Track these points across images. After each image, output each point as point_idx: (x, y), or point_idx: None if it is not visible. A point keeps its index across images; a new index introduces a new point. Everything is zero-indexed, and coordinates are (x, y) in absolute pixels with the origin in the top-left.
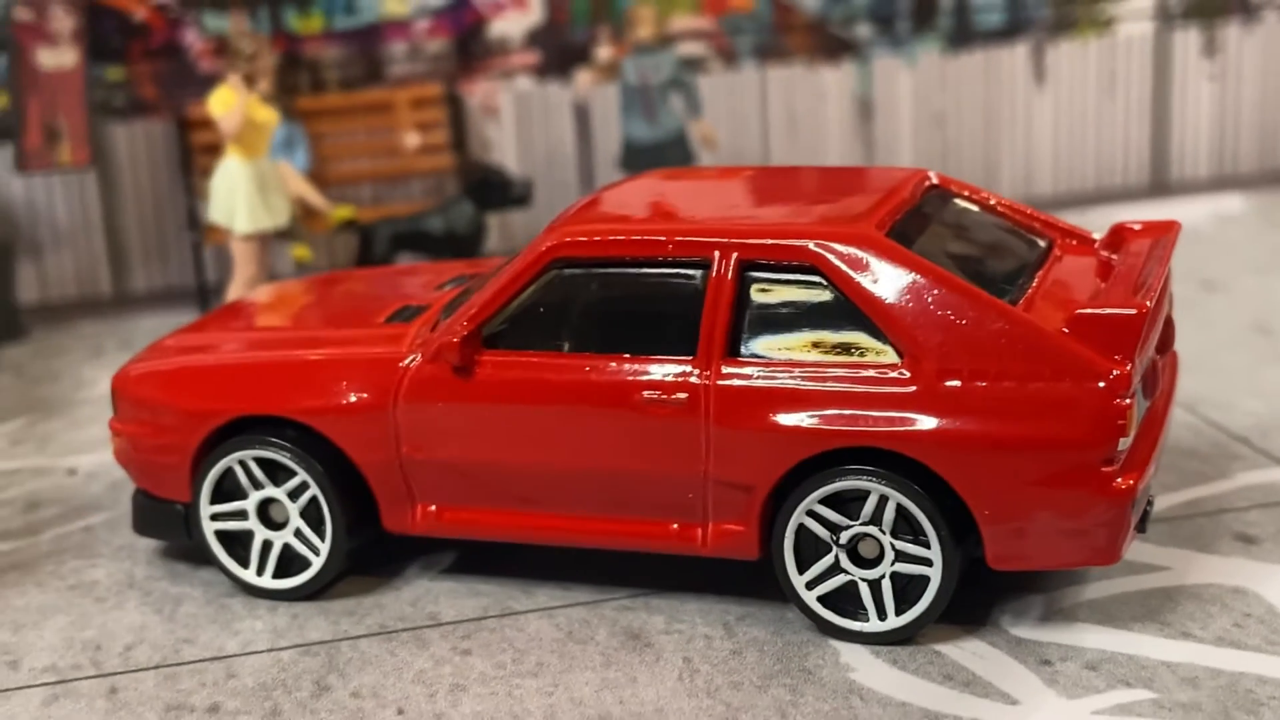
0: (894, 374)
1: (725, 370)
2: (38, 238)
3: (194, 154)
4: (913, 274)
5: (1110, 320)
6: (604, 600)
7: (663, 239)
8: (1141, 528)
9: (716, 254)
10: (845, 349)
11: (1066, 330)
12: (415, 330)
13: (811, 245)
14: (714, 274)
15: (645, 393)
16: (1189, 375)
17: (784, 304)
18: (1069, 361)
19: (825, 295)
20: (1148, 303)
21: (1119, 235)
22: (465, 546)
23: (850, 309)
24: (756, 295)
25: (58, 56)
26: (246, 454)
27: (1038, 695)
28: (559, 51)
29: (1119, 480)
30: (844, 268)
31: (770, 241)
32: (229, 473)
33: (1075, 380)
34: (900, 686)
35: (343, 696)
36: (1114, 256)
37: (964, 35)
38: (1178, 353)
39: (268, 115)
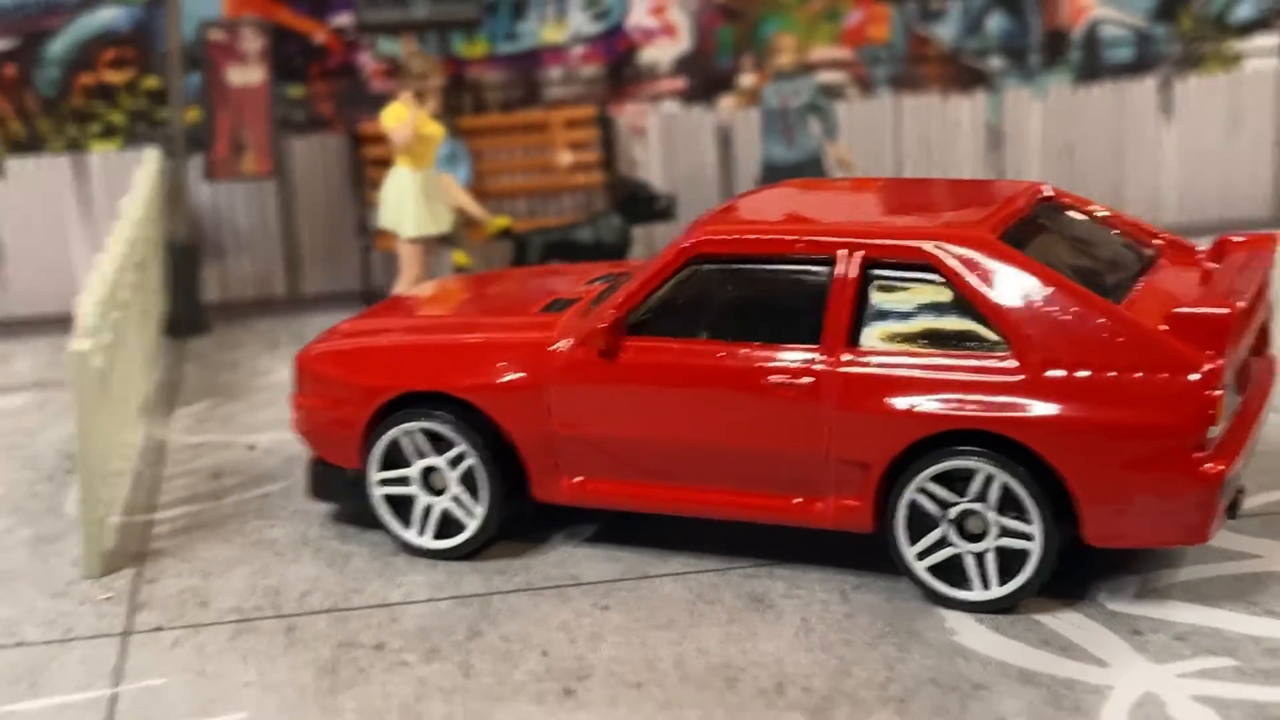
0: (1002, 364)
1: (846, 358)
2: (221, 241)
3: (364, 167)
4: (1022, 273)
5: (1204, 319)
6: (731, 568)
7: (792, 238)
8: (1232, 514)
9: (842, 252)
10: (957, 340)
11: (1165, 327)
12: (567, 318)
13: (929, 246)
14: (838, 271)
15: (773, 377)
16: None
17: (902, 299)
18: (1165, 355)
19: (941, 291)
20: (1239, 304)
21: (1222, 247)
22: (606, 517)
23: (963, 304)
24: (877, 290)
25: (246, 74)
26: (413, 426)
27: (1127, 660)
28: (705, 78)
29: (1209, 465)
30: (959, 266)
31: (891, 242)
32: (395, 443)
33: (1171, 372)
34: (1000, 648)
35: (493, 640)
36: (1215, 265)
37: (1093, 69)
38: (1277, 358)
39: (435, 129)
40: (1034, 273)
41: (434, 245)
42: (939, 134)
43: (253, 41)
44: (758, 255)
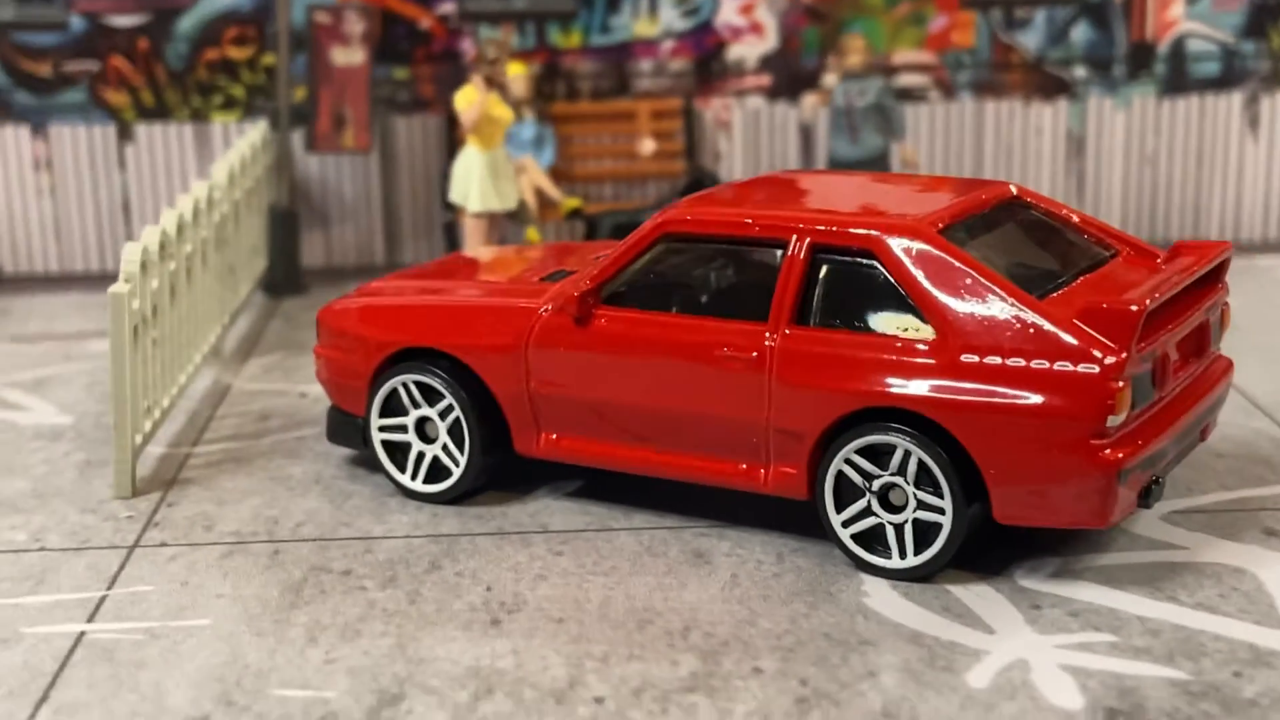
0: (924, 348)
1: (788, 334)
2: (326, 209)
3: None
4: (953, 264)
5: (1110, 314)
6: (687, 527)
7: (750, 222)
8: (1144, 502)
9: (793, 237)
10: (890, 324)
11: (1077, 320)
12: (556, 287)
13: (871, 234)
14: (789, 254)
15: (724, 349)
16: None
17: (845, 283)
18: (1070, 346)
19: (879, 277)
20: (1148, 302)
21: (1176, 251)
22: (591, 474)
23: (897, 290)
24: (823, 274)
25: (348, 55)
26: (408, 378)
27: (1015, 629)
28: (789, 76)
29: (1108, 452)
30: (896, 255)
31: (838, 229)
32: (394, 393)
33: (1074, 362)
34: (902, 612)
35: (448, 574)
36: (1161, 269)
37: (1179, 82)
38: (1230, 360)
39: (504, 112)
40: (963, 264)
41: (498, 220)
42: (1020, 139)
43: (356, 25)
44: (720, 236)
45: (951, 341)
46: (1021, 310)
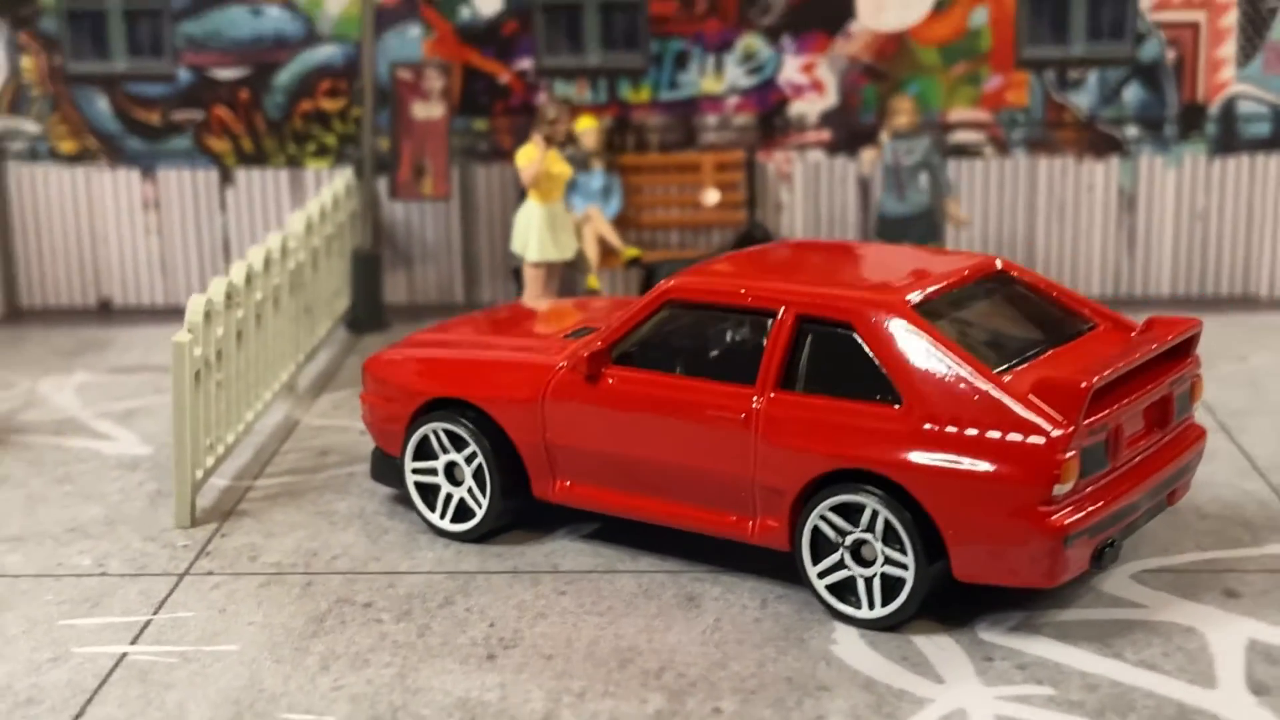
0: (892, 415)
1: (773, 398)
2: (410, 251)
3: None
4: (922, 340)
5: (1061, 389)
6: (685, 571)
7: (743, 292)
8: (1097, 564)
9: (781, 308)
10: (865, 392)
11: (1031, 394)
12: (574, 346)
13: (850, 309)
14: (776, 323)
15: (717, 410)
16: None
17: (826, 352)
18: (1022, 419)
19: (856, 349)
20: (1095, 380)
21: (1148, 326)
22: (605, 518)
23: (871, 361)
24: (807, 343)
25: (428, 109)
26: (438, 425)
27: (963, 680)
28: (848, 131)
29: (1055, 519)
30: (871, 328)
31: (821, 302)
32: (426, 439)
33: (1024, 434)
34: (863, 660)
35: (459, 610)
36: (1131, 343)
37: (1229, 143)
38: (1203, 429)
39: (562, 169)
40: (931, 339)
41: (556, 269)
42: (1073, 196)
43: (435, 81)
44: (717, 304)
45: (917, 410)
46: (981, 384)
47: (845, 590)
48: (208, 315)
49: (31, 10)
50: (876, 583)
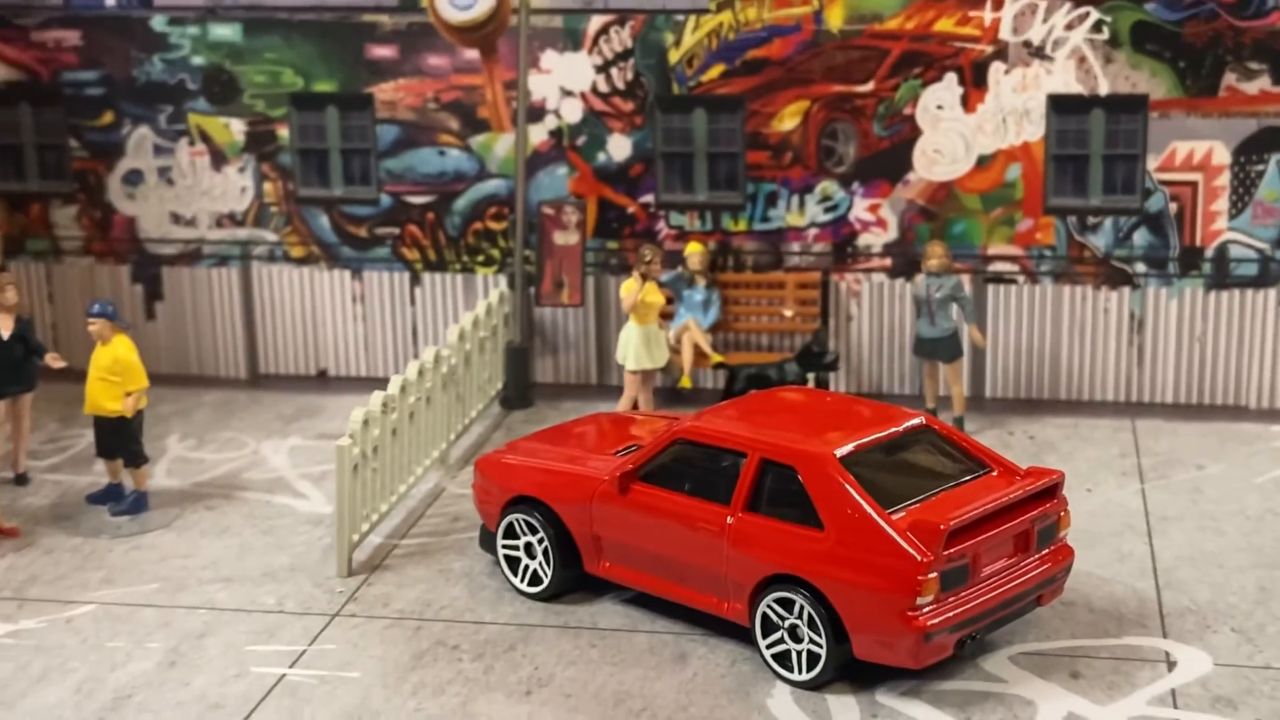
0: (817, 537)
1: (740, 518)
2: (556, 343)
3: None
4: (839, 485)
5: (925, 528)
6: (686, 634)
7: (726, 437)
8: (960, 652)
9: (750, 451)
10: (802, 517)
11: (908, 530)
12: (615, 465)
13: (791, 458)
14: (746, 462)
15: (702, 523)
16: (1190, 563)
17: (778, 485)
18: (898, 548)
19: (798, 485)
20: (952, 522)
21: (1027, 474)
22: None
23: (806, 496)
24: (766, 478)
25: (566, 237)
26: (518, 515)
27: None
28: (905, 259)
29: (917, 622)
30: (808, 473)
31: (775, 451)
32: (511, 524)
33: (899, 559)
34: (781, 709)
35: (517, 655)
36: (1012, 486)
37: (1222, 279)
38: (1071, 550)
39: (656, 298)
40: (847, 484)
41: (650, 375)
42: (1091, 318)
43: (572, 216)
44: (710, 445)
45: (833, 535)
46: (875, 520)
47: (785, 659)
48: (365, 422)
49: (273, 148)
50: (804, 656)
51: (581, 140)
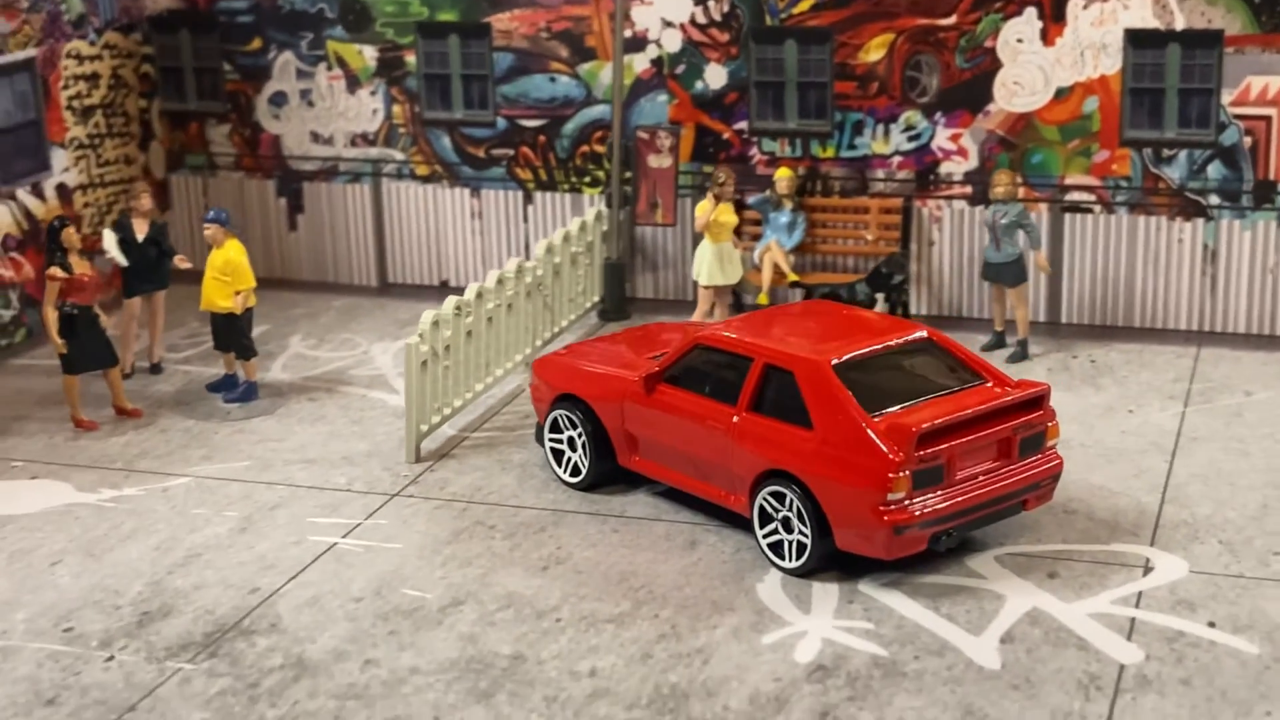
0: (807, 436)
1: (744, 417)
2: (655, 260)
3: (742, 222)
4: (828, 388)
5: (899, 430)
6: (704, 524)
7: (736, 345)
8: (935, 547)
9: (755, 357)
10: (799, 417)
11: (885, 432)
12: (644, 367)
13: (790, 364)
14: (752, 367)
15: (712, 420)
16: (1202, 481)
17: (777, 388)
18: (875, 447)
19: (793, 389)
20: (924, 426)
21: (1017, 385)
22: None
23: (800, 398)
24: (769, 381)
25: (660, 160)
26: (562, 411)
27: (822, 613)
28: (985, 188)
29: (887, 518)
30: (802, 377)
31: (777, 356)
32: (556, 419)
33: (874, 458)
34: (770, 596)
35: (545, 536)
36: (993, 395)
37: None
38: (1060, 459)
39: (729, 219)
40: (835, 389)
41: (723, 291)
42: (1165, 249)
43: (665, 140)
44: (722, 350)
45: (818, 434)
46: (856, 421)
47: (780, 548)
48: (435, 323)
49: (401, 73)
50: (794, 546)
51: (680, 69)
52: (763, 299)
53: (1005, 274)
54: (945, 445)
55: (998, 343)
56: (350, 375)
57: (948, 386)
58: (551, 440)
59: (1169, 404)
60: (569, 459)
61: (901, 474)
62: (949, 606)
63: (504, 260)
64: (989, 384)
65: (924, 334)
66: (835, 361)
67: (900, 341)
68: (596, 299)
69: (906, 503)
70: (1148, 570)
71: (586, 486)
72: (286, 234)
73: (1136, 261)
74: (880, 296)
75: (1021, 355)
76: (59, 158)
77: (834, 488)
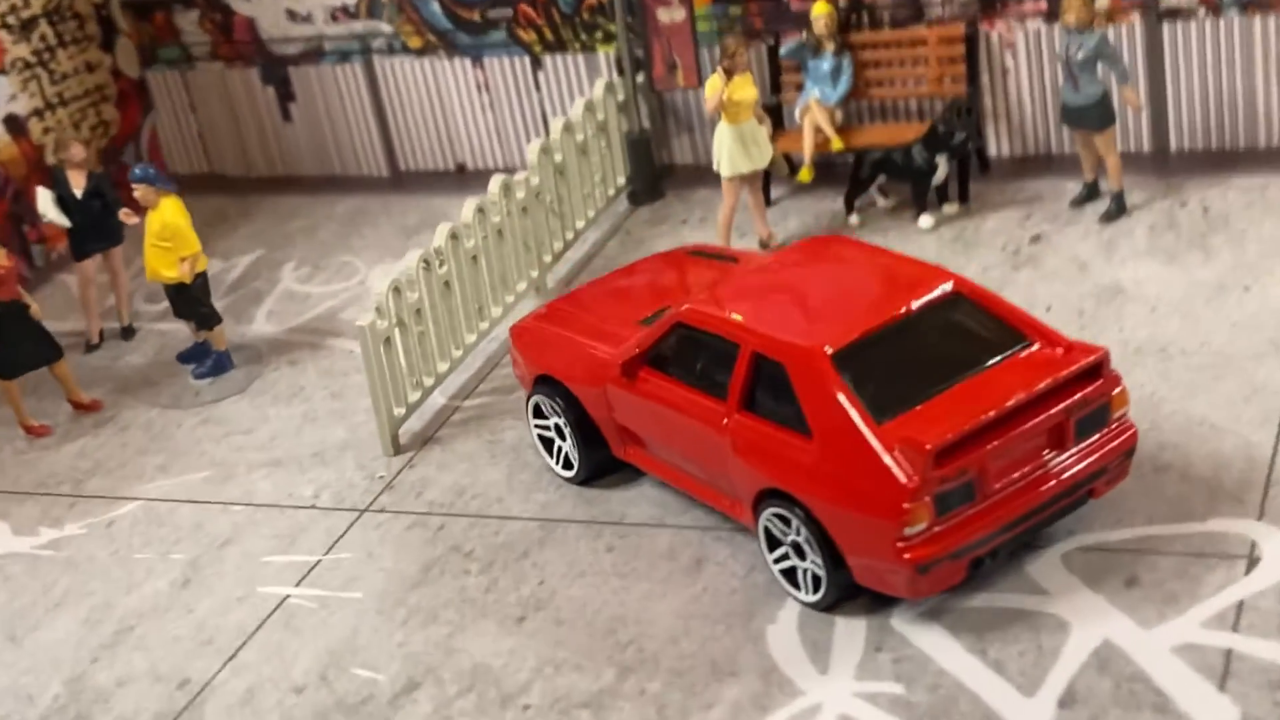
0: (804, 447)
1: (736, 418)
2: (691, 123)
3: (781, 71)
4: (826, 385)
5: (912, 448)
6: (713, 529)
7: (721, 325)
8: (974, 571)
9: (742, 344)
10: (792, 422)
11: (897, 447)
12: (623, 348)
13: (783, 353)
14: (740, 354)
15: (701, 415)
16: None
17: (770, 383)
18: (884, 468)
19: (786, 384)
20: (943, 440)
21: (1067, 350)
22: None
23: (794, 396)
24: (759, 374)
25: (671, 13)
26: (541, 397)
27: (841, 673)
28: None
29: (908, 555)
30: (795, 370)
31: (765, 344)
32: (538, 404)
33: (879, 483)
34: (781, 645)
35: (526, 565)
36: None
37: None
38: (1133, 430)
39: (745, 94)
40: (833, 387)
41: (751, 178)
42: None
43: None
44: (707, 332)
45: (817, 444)
46: (861, 432)
47: (793, 575)
48: (395, 290)
49: None
50: (809, 575)
51: None
52: (805, 175)
53: (1088, 118)
54: (975, 452)
55: (1089, 194)
56: (339, 322)
57: (980, 362)
58: (538, 427)
59: None
60: (559, 449)
61: (920, 501)
62: (999, 648)
63: (520, 136)
64: (1034, 346)
65: (950, 286)
66: (833, 350)
67: (921, 304)
68: (621, 182)
69: (931, 531)
70: (1252, 564)
71: (583, 480)
72: (282, 126)
73: (1255, 71)
74: (942, 160)
75: (1118, 210)
76: (1, 86)
77: (841, 514)
